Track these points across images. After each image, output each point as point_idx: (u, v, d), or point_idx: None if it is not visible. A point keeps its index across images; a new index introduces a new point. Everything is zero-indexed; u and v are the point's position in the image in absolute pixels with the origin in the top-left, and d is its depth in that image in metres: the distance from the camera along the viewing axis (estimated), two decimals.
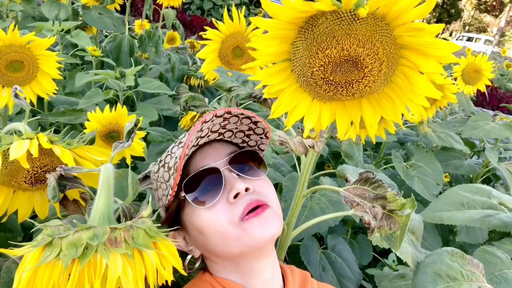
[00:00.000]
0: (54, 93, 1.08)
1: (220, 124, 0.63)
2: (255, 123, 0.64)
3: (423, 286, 0.78)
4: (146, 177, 0.64)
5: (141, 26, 3.07)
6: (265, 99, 0.82)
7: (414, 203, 0.60)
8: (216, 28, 1.07)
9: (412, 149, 1.97)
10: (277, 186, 1.37)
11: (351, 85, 0.54)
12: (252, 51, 0.55)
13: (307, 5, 0.48)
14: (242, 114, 0.61)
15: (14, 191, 0.61)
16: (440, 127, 2.00)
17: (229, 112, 0.60)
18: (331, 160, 2.19)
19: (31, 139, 0.53)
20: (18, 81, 1.05)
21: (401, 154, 2.06)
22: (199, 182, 0.61)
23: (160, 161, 0.64)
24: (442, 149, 2.12)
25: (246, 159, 0.66)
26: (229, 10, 1.07)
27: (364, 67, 0.52)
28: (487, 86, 2.13)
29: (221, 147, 0.66)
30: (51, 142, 0.55)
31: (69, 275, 0.38)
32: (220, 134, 0.66)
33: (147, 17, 2.21)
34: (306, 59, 0.54)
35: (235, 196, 0.59)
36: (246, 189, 0.60)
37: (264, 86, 0.61)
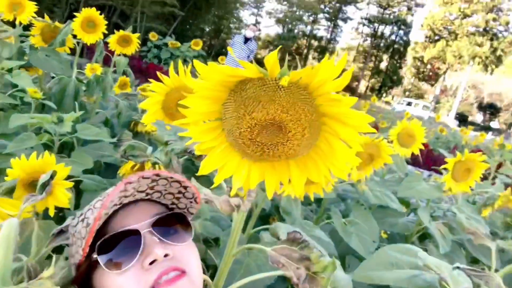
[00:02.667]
0: None
1: (148, 185, 0.61)
2: (185, 187, 0.63)
3: None
4: (62, 231, 0.60)
5: (92, 70, 3.04)
6: (201, 155, 0.82)
7: (335, 265, 0.61)
8: (161, 81, 1.08)
9: (351, 206, 2.04)
10: (217, 241, 1.33)
11: (276, 147, 0.57)
12: (183, 109, 0.57)
13: (234, 71, 0.51)
14: (171, 177, 0.60)
15: None
16: (377, 186, 2.10)
17: (157, 175, 0.59)
18: (275, 213, 2.20)
19: None
20: None
21: (341, 210, 2.13)
22: (115, 243, 0.57)
23: (81, 214, 0.60)
24: (379, 207, 2.22)
25: (173, 222, 0.63)
26: (186, 61, 1.09)
27: (288, 131, 0.55)
28: (424, 147, 2.30)
29: (147, 207, 0.63)
30: None
31: None
32: (148, 194, 0.63)
33: (97, 62, 2.20)
34: (234, 120, 0.56)
35: (151, 263, 0.56)
36: (165, 255, 0.57)
37: (196, 143, 0.62)
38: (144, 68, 8.37)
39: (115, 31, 2.14)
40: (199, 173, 0.61)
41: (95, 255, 0.57)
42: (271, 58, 0.48)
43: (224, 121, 0.59)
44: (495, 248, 1.11)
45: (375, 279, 1.02)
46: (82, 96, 2.07)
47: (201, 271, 0.63)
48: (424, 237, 2.39)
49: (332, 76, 0.50)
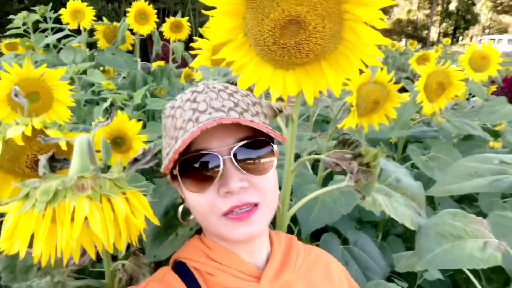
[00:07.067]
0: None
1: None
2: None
3: (428, 248, 0.77)
4: (135, 160, 0.68)
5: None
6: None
7: (384, 150, 0.62)
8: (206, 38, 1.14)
9: (430, 142, 1.94)
10: None
11: (301, 45, 0.58)
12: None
13: None
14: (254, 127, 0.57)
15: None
16: (455, 117, 1.97)
17: (237, 123, 0.56)
18: None
19: (26, 125, 0.61)
20: (36, 111, 1.15)
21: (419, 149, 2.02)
22: (195, 163, 0.58)
23: (173, 107, 0.61)
24: (462, 139, 2.07)
25: (256, 147, 0.60)
26: None
27: (308, 25, 0.56)
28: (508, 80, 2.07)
29: (232, 129, 0.59)
30: (45, 127, 0.62)
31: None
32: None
33: (157, 54, 2.37)
34: (256, 28, 0.58)
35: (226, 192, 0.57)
36: (241, 187, 0.57)
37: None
38: None
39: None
40: None
41: (176, 172, 0.59)
42: None
43: (248, 34, 0.62)
44: None
45: (454, 191, 0.98)
46: (151, 87, 2.25)
47: (276, 197, 0.63)
48: None
49: None
